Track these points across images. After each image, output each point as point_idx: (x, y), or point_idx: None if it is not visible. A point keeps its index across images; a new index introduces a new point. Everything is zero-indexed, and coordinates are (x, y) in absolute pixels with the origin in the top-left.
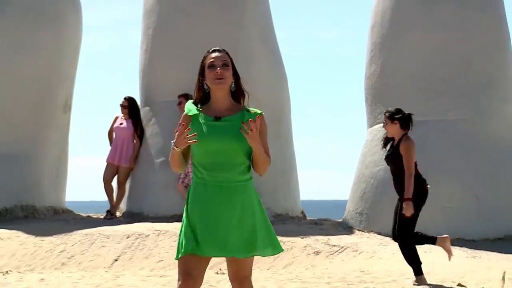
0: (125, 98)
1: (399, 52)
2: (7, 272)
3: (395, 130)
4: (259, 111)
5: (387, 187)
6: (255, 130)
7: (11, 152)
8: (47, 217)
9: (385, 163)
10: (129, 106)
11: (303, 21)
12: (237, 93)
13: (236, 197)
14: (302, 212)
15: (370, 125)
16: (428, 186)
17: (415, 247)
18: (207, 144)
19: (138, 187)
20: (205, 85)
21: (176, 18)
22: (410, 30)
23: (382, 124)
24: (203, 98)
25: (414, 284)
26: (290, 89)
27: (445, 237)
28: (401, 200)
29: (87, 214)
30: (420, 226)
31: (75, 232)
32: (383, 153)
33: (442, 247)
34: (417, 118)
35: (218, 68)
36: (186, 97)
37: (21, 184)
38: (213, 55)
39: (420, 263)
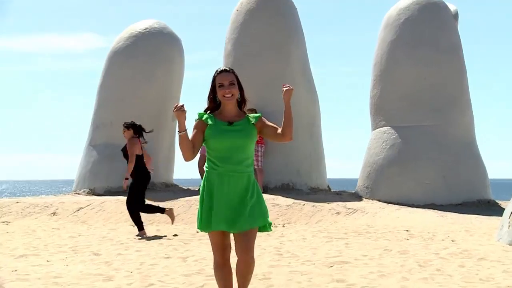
0: None
1: (392, 81)
2: (133, 225)
3: (129, 134)
4: (257, 115)
5: (384, 170)
6: (290, 88)
7: None
8: (161, 189)
9: (382, 154)
10: None
11: (327, 60)
12: (241, 102)
13: (241, 183)
14: (328, 186)
15: (373, 129)
16: (151, 171)
17: (138, 213)
18: (223, 142)
19: None
20: (217, 98)
21: (245, 60)
22: (399, 66)
23: (381, 128)
24: (214, 107)
25: (137, 235)
26: (320, 105)
27: (170, 209)
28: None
29: (187, 187)
30: (406, 196)
31: (179, 199)
32: (382, 147)
33: (168, 215)
34: (403, 124)
35: (227, 90)
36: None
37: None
38: (222, 75)
39: (141, 223)
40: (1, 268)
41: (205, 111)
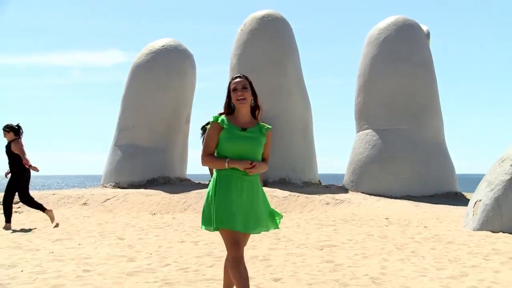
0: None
1: (373, 90)
2: (154, 213)
3: (11, 136)
4: (269, 126)
5: (367, 167)
6: (255, 169)
7: (157, 146)
8: (176, 183)
9: (365, 153)
10: None
11: (321, 74)
12: (255, 108)
13: (253, 187)
14: (319, 181)
15: (357, 131)
16: (33, 168)
17: (11, 205)
18: (235, 147)
19: None
20: (232, 104)
21: (248, 72)
22: (380, 78)
23: (364, 131)
24: (229, 112)
25: (4, 227)
26: (312, 111)
27: (50, 210)
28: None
29: (198, 181)
30: (386, 189)
31: (192, 191)
32: (365, 147)
33: (48, 215)
34: (383, 128)
35: (239, 93)
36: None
37: (162, 164)
38: (235, 80)
39: (10, 215)
40: (40, 250)
41: (220, 115)
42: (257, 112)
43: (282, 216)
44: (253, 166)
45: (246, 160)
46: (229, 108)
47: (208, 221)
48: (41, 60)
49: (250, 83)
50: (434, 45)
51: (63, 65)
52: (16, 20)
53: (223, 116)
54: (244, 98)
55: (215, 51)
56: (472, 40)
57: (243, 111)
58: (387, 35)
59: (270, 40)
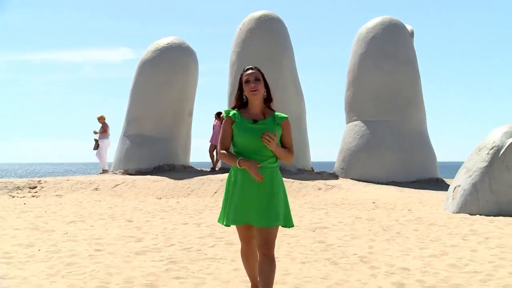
0: (218, 112)
1: (362, 85)
2: (160, 198)
3: None
4: (285, 115)
5: (356, 155)
6: (272, 140)
7: (163, 136)
8: (180, 170)
9: (354, 142)
10: (219, 115)
11: (314, 70)
12: (268, 99)
13: (266, 179)
14: (312, 168)
15: (347, 123)
16: None
17: None
18: (246, 140)
19: None
20: (244, 96)
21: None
22: (368, 74)
23: (353, 122)
24: (241, 105)
25: None
26: (306, 104)
27: None
28: None
29: (200, 168)
30: (373, 175)
31: (194, 178)
32: (354, 137)
33: None
34: (371, 119)
35: (252, 84)
36: None
37: (167, 152)
38: (248, 72)
39: None
40: (55, 231)
41: (233, 109)
42: (269, 103)
43: (292, 225)
44: (269, 140)
45: (255, 162)
46: (241, 101)
47: (222, 216)
48: (55, 57)
49: (263, 75)
50: (418, 43)
51: (75, 62)
52: (32, 19)
53: (235, 110)
54: (257, 90)
55: (216, 48)
56: (453, 37)
57: (256, 103)
58: (375, 34)
59: (266, 38)
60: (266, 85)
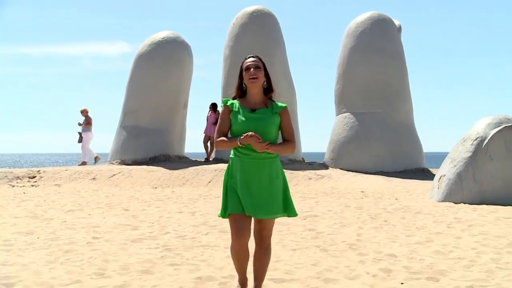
0: (212, 103)
1: (351, 78)
2: (156, 187)
3: None
4: (284, 105)
5: (345, 146)
6: (265, 147)
7: (158, 127)
8: (175, 160)
9: (343, 133)
10: (214, 107)
11: (305, 63)
12: (268, 89)
13: (265, 170)
14: (303, 158)
15: (337, 115)
16: None
17: None
18: (244, 128)
19: None
20: (243, 84)
21: (238, 62)
22: (357, 67)
23: (343, 114)
24: (241, 94)
25: None
26: (297, 97)
27: None
28: None
29: (195, 159)
30: (361, 165)
31: (189, 168)
32: (343, 128)
33: None
34: (360, 111)
35: (252, 70)
36: None
37: (162, 143)
38: (249, 60)
39: None
40: (54, 220)
41: (233, 98)
42: (270, 93)
43: (296, 214)
44: (266, 145)
45: (255, 135)
46: (241, 90)
47: (222, 209)
48: (55, 50)
49: (263, 64)
50: (405, 37)
51: (75, 55)
52: (33, 14)
53: (231, 100)
54: (257, 78)
55: (210, 42)
56: (439, 31)
57: (254, 91)
58: (364, 28)
59: (259, 33)
60: (267, 75)
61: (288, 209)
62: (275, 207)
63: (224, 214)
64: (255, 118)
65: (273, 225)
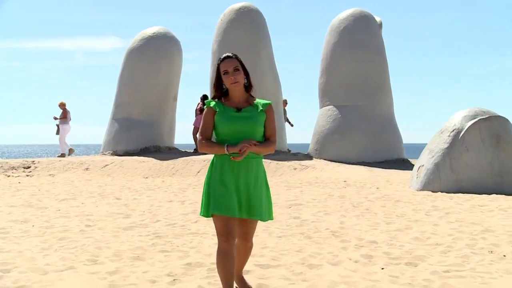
0: (204, 95)
1: (334, 72)
2: (147, 177)
3: None
4: (268, 101)
5: (329, 138)
6: (250, 146)
7: (149, 119)
8: (165, 151)
9: (327, 125)
10: (205, 99)
11: (290, 58)
12: (249, 87)
13: (250, 170)
14: (288, 149)
15: (320, 107)
16: None
17: None
18: (231, 129)
19: None
20: (223, 85)
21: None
22: (340, 62)
23: (326, 107)
24: (221, 94)
25: None
26: (283, 91)
27: None
28: None
29: (185, 150)
30: (344, 156)
31: (179, 158)
32: (327, 121)
33: None
34: (342, 104)
35: (231, 76)
36: None
37: (153, 135)
38: (225, 62)
39: None
40: (48, 208)
41: (213, 99)
42: (250, 89)
43: (272, 218)
44: (244, 151)
45: (244, 140)
46: (220, 91)
47: (204, 208)
48: (49, 45)
49: (241, 62)
50: (386, 33)
51: (68, 49)
52: (27, 9)
53: (214, 101)
54: (237, 82)
55: (199, 37)
56: (418, 26)
57: (236, 92)
58: (346, 24)
59: (246, 28)
60: (246, 72)
61: (268, 212)
62: (263, 208)
63: (206, 213)
64: (242, 117)
65: (256, 224)
